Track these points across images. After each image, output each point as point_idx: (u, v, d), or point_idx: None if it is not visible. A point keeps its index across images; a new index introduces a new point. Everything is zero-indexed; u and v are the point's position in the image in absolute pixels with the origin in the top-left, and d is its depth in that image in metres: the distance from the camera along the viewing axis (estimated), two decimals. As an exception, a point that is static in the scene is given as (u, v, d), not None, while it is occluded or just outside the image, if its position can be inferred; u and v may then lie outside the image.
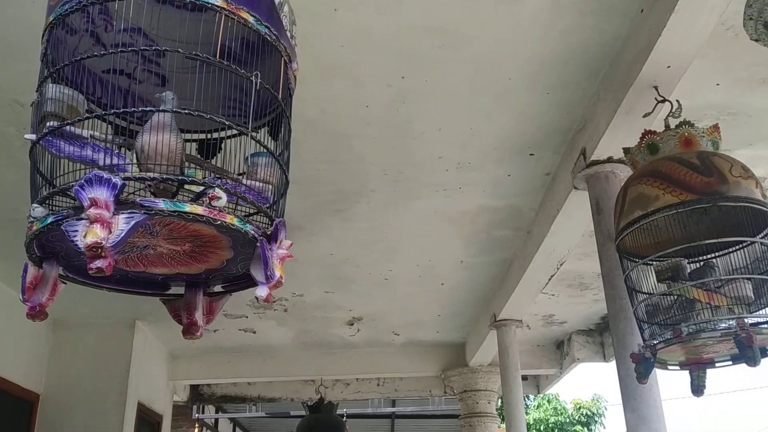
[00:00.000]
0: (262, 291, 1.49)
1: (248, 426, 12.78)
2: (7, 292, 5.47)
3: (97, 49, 1.71)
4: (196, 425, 9.56)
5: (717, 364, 2.61)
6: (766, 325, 2.42)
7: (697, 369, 2.64)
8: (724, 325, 2.35)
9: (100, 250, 1.26)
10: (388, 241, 5.09)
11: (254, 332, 7.12)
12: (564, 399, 20.91)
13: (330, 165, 4.05)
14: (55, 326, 6.46)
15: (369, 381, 8.61)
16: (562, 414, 20.01)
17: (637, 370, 2.54)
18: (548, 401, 20.32)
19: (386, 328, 7.19)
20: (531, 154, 3.98)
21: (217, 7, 1.60)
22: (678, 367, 2.67)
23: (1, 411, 5.66)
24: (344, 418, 8.60)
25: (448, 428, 11.80)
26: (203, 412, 9.68)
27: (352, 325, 6.99)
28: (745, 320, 2.32)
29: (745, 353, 2.29)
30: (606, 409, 20.46)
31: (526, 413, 18.95)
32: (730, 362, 2.57)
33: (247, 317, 6.67)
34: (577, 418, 20.11)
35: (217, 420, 10.78)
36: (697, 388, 2.65)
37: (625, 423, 3.11)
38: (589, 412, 20.23)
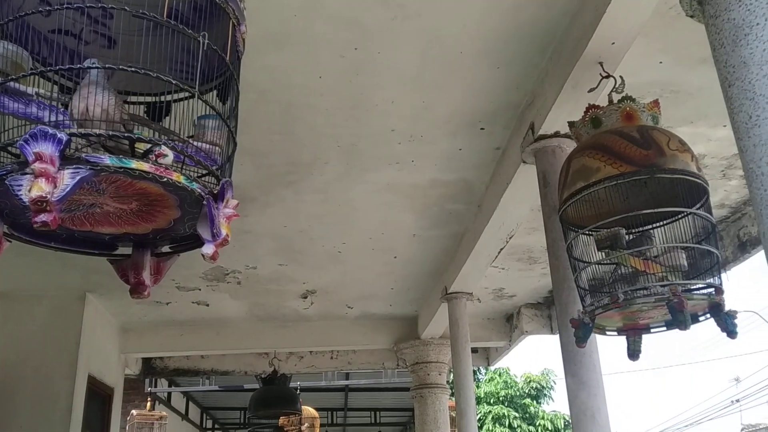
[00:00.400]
0: (208, 248, 1.51)
1: (201, 400, 12.77)
2: (-50, 262, 5.35)
3: (43, 8, 1.69)
4: (149, 399, 9.51)
5: (652, 330, 2.75)
6: (697, 293, 2.55)
7: (633, 334, 2.77)
8: (659, 290, 2.46)
9: (45, 205, 1.27)
10: (341, 214, 5.13)
11: (207, 305, 7.10)
12: (515, 373, 21.41)
13: (283, 136, 4.06)
14: (3, 298, 6.34)
15: (322, 354, 8.67)
16: (512, 387, 20.48)
17: (576, 335, 2.65)
18: (499, 375, 20.76)
19: (340, 301, 7.25)
20: (482, 129, 4.05)
21: (166, -32, 1.60)
22: (615, 333, 2.79)
23: (-55, 383, 5.56)
24: (298, 392, 8.67)
25: (400, 401, 12.01)
26: (156, 386, 9.64)
27: (305, 298, 7.03)
28: (678, 287, 2.45)
29: (677, 318, 2.41)
30: (555, 382, 21.02)
31: (477, 387, 19.34)
32: (664, 328, 2.70)
33: (200, 290, 6.64)
34: (527, 391, 20.60)
35: (170, 394, 10.74)
36: (633, 353, 2.78)
37: (566, 387, 3.23)
38: (538, 386, 20.74)
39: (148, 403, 9.49)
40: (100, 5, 1.68)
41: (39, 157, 1.29)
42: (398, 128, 4.01)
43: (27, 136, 1.32)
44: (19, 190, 1.31)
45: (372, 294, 7.04)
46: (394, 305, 7.44)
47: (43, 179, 1.28)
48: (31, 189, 1.28)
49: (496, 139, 4.16)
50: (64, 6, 1.57)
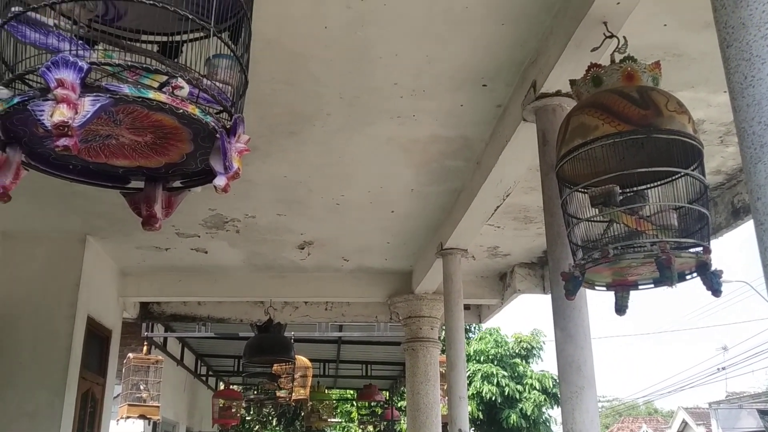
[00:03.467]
0: (220, 180, 1.58)
1: (197, 347, 12.96)
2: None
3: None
4: (145, 343, 9.68)
5: (640, 287, 2.83)
6: (685, 252, 2.63)
7: (622, 290, 2.86)
8: (648, 247, 2.54)
9: (66, 129, 1.33)
10: (341, 166, 5.17)
11: (206, 252, 7.19)
12: (505, 333, 21.71)
13: (286, 86, 4.08)
14: (4, 238, 6.42)
15: (317, 305, 8.81)
16: (502, 346, 20.78)
17: (566, 287, 2.73)
18: (490, 334, 21.06)
19: (336, 254, 7.35)
20: (484, 85, 4.08)
21: None
22: (604, 288, 2.87)
23: (-53, 319, 5.66)
24: (292, 341, 8.82)
25: (392, 355, 12.23)
26: (152, 331, 9.79)
27: (302, 249, 7.12)
28: (667, 244, 2.52)
29: (664, 274, 2.49)
30: (544, 343, 21.33)
31: (468, 345, 19.63)
32: (652, 285, 2.78)
33: (199, 237, 6.72)
34: (517, 351, 20.92)
35: (165, 339, 10.91)
36: (620, 308, 2.87)
37: (554, 340, 3.33)
38: (528, 346, 21.05)
39: (145, 347, 9.67)
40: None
41: (61, 84, 1.35)
42: (401, 82, 4.03)
43: (49, 63, 1.37)
44: (42, 116, 1.36)
45: (368, 247, 7.13)
46: (389, 259, 7.54)
47: (65, 105, 1.34)
48: (53, 114, 1.34)
49: (498, 97, 4.19)
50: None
